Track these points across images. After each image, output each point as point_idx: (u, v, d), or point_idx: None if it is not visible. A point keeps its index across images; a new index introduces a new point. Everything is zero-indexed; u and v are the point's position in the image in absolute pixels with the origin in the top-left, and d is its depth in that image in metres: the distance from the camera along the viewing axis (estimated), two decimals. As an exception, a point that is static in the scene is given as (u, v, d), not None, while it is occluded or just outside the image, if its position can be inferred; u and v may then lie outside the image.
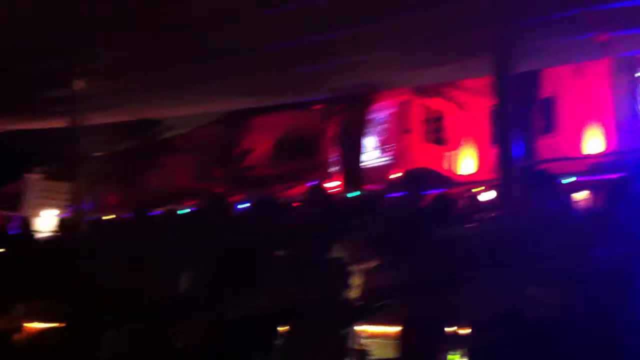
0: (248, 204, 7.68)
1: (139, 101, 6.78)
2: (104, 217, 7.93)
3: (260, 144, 20.85)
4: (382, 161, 21.26)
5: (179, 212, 8.73)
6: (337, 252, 5.49)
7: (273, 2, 4.73)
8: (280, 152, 20.78)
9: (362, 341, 5.50)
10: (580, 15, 5.41)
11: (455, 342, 4.69)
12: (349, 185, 14.30)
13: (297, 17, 4.83)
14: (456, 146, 20.69)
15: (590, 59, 6.28)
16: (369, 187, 14.22)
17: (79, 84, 5.49)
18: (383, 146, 21.57)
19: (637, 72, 17.98)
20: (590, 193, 8.10)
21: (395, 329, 5.16)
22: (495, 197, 5.75)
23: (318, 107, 16.64)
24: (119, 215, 9.43)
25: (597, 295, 4.46)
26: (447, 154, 20.63)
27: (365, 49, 5.48)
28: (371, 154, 20.83)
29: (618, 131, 17.67)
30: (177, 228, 6.63)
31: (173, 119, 12.49)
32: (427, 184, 6.75)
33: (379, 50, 5.51)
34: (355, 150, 15.36)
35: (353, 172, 15.04)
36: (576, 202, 7.07)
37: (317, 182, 6.34)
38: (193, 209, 8.69)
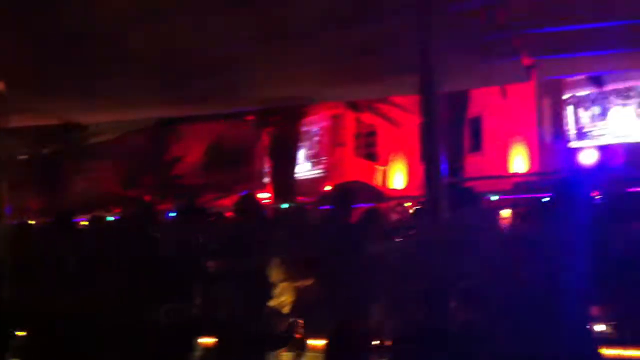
0: (176, 213, 7.58)
1: (62, 105, 6.60)
2: (25, 222, 7.66)
3: (191, 152, 20.62)
4: (314, 174, 21.39)
5: (107, 218, 8.55)
6: (265, 264, 5.48)
7: (205, 12, 4.69)
8: (211, 161, 20.60)
9: (288, 354, 5.51)
10: (507, 39, 5.56)
11: (380, 354, 4.74)
12: (280, 196, 14.30)
13: (228, 28, 4.80)
14: (387, 161, 21.01)
15: (516, 81, 6.49)
16: (300, 199, 14.25)
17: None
18: (315, 159, 21.71)
19: (562, 95, 18.72)
20: (514, 211, 8.38)
21: (321, 342, 5.19)
22: (422, 213, 5.84)
23: (251, 117, 16.61)
24: (41, 220, 9.16)
25: (518, 312, 4.60)
26: (378, 168, 20.91)
27: (298, 62, 5.50)
28: (303, 166, 20.92)
29: (542, 152, 18.31)
30: (100, 235, 6.47)
31: (101, 124, 12.22)
32: (356, 198, 6.82)
33: (311, 64, 5.53)
34: (287, 162, 15.38)
35: (284, 184, 15.05)
36: (500, 219, 7.29)
37: (247, 193, 6.30)
38: (118, 216, 8.52)
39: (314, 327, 5.39)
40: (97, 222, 7.35)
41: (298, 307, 5.46)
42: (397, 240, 5.47)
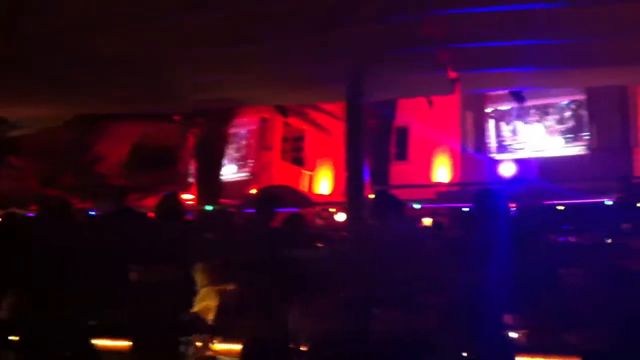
0: (97, 212, 7.39)
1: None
2: None
3: (115, 151, 20.12)
4: (241, 176, 21.24)
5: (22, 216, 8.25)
6: (185, 267, 5.40)
7: (136, 11, 4.62)
8: (136, 161, 20.15)
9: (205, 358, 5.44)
10: (434, 53, 5.70)
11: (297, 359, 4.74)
12: (204, 198, 14.13)
13: (158, 29, 4.74)
14: (315, 166, 21.10)
15: (441, 93, 6.63)
16: (225, 201, 14.13)
17: None
18: (242, 161, 21.57)
19: (485, 109, 19.29)
20: (436, 220, 8.57)
21: (238, 347, 5.15)
22: (346, 220, 5.91)
23: (178, 117, 16.36)
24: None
25: (439, 317, 4.71)
26: (305, 173, 20.96)
27: (227, 67, 5.47)
28: (230, 168, 20.75)
29: (464, 163, 18.80)
30: (11, 232, 6.23)
31: (21, 118, 11.78)
32: (280, 202, 6.81)
33: (240, 67, 5.52)
34: (212, 163, 15.20)
35: (209, 186, 14.87)
36: (422, 227, 7.44)
37: (169, 193, 6.19)
38: (33, 214, 8.24)
39: (233, 333, 5.35)
40: (10, 219, 7.08)
41: (219, 312, 5.41)
42: (320, 245, 5.50)
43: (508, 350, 4.55)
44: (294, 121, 19.01)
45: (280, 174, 20.18)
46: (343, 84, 4.40)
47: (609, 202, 10.25)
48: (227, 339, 5.44)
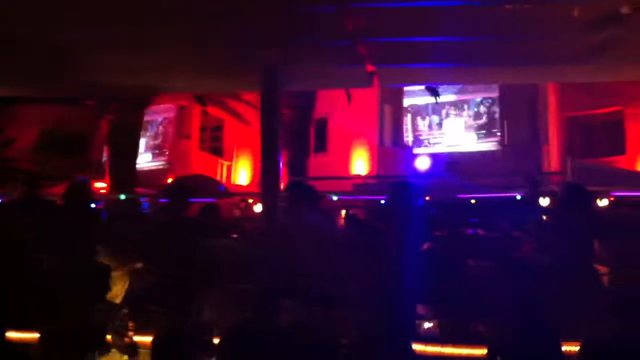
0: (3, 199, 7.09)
1: None
2: None
3: (24, 136, 19.32)
4: (157, 165, 20.80)
5: None
6: (95, 254, 5.25)
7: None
8: (46, 146, 19.42)
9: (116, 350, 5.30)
10: (352, 46, 5.72)
11: (208, 351, 4.69)
12: (117, 187, 13.74)
13: (69, 11, 4.54)
14: (233, 157, 20.92)
15: (359, 86, 6.68)
16: (139, 190, 13.79)
17: None
18: (158, 150, 21.13)
19: (404, 103, 19.61)
20: (349, 212, 8.64)
21: (149, 338, 5.04)
22: (262, 210, 5.86)
23: (91, 102, 15.83)
24: None
25: (349, 308, 4.76)
26: (223, 163, 20.75)
27: (140, 51, 5.31)
28: (145, 157, 20.29)
29: (382, 156, 19.08)
30: None
31: None
32: (195, 192, 6.70)
33: (154, 54, 5.37)
34: (126, 151, 14.78)
35: (123, 174, 14.46)
36: (337, 219, 7.49)
37: (78, 181, 5.98)
38: None
39: (144, 323, 5.24)
40: None
41: (129, 299, 5.28)
42: (234, 236, 5.45)
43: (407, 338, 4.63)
44: (213, 110, 18.76)
45: (197, 163, 19.89)
46: (259, 74, 4.34)
47: (518, 197, 10.64)
48: (138, 329, 5.32)
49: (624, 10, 5.00)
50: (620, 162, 17.14)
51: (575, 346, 4.15)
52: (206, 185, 13.07)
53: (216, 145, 21.44)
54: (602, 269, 5.21)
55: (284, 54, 4.40)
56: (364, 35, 5.55)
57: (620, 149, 17.76)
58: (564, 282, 4.63)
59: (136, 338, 5.23)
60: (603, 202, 9.70)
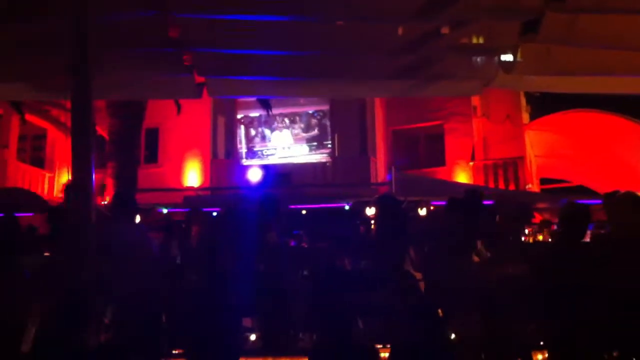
0: None
1: None
2: None
3: None
4: (-30, 177, 19.15)
5: None
6: None
7: None
8: None
9: None
10: (178, 54, 5.59)
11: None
12: None
13: None
14: (57, 168, 19.77)
15: (187, 97, 6.51)
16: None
17: None
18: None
19: (237, 114, 19.57)
20: (173, 224, 8.44)
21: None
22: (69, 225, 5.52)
23: None
24: None
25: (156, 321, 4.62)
26: (45, 174, 19.56)
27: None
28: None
29: (214, 167, 18.91)
30: None
31: None
32: (10, 207, 6.22)
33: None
34: None
35: None
36: (157, 233, 7.26)
37: None
38: None
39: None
40: None
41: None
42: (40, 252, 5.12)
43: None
44: (33, 118, 17.61)
45: (17, 175, 18.54)
46: (69, 79, 4.07)
47: (347, 207, 10.99)
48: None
49: (443, 30, 5.30)
50: (440, 173, 18.30)
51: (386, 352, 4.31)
52: (23, 199, 12.21)
53: (38, 155, 20.16)
54: (417, 275, 5.47)
55: (101, 60, 4.15)
56: (189, 45, 5.43)
57: (440, 161, 18.96)
58: (375, 287, 4.80)
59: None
60: (423, 211, 10.29)
